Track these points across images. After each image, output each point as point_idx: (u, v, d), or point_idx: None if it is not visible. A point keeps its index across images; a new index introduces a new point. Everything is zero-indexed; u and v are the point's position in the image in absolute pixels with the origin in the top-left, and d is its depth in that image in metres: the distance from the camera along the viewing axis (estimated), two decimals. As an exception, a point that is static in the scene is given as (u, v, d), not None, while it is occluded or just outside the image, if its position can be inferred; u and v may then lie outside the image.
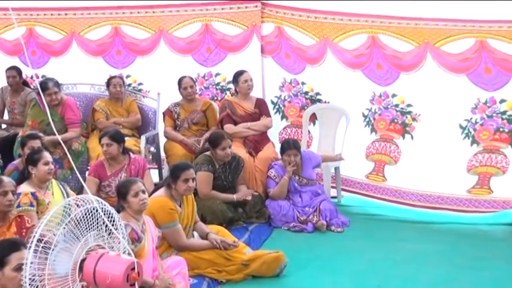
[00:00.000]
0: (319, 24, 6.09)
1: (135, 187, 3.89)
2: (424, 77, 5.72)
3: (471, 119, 5.67)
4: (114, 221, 2.95)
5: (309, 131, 6.46)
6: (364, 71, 5.98)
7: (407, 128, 5.94)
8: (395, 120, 5.97)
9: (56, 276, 2.75)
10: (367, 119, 6.13)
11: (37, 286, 2.67)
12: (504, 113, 5.55)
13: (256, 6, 6.40)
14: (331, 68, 6.16)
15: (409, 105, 5.90)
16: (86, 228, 2.84)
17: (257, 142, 6.05)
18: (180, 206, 4.45)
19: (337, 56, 6.09)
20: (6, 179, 3.90)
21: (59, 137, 3.68)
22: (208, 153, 5.54)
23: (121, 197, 3.90)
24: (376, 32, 5.76)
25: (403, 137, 5.96)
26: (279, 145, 5.99)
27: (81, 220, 2.84)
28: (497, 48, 5.38)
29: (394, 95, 5.95)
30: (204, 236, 4.55)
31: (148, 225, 3.96)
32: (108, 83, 6.36)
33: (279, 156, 5.85)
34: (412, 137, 5.94)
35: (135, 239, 3.74)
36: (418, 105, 5.86)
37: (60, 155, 5.75)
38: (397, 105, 5.95)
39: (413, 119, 5.90)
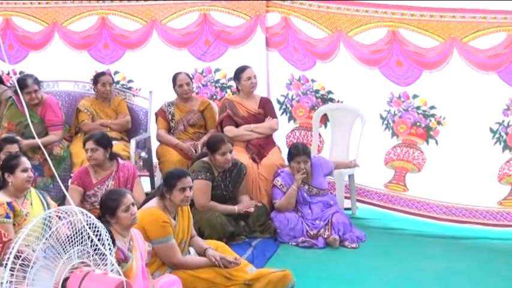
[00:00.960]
0: (331, 16, 6.09)
1: (126, 200, 3.87)
2: (449, 76, 5.71)
3: (503, 121, 5.66)
4: (100, 235, 2.94)
5: (319, 134, 6.45)
6: (381, 68, 5.98)
7: (431, 132, 5.93)
8: (418, 124, 5.97)
9: (35, 297, 2.75)
10: (386, 121, 6.13)
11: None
12: (540, 114, 5.57)
13: (260, -6, 6.45)
14: (344, 64, 6.16)
15: (432, 108, 5.90)
16: (69, 243, 2.84)
17: (261, 147, 6.04)
18: (175, 219, 4.45)
19: (352, 51, 6.09)
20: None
21: (38, 141, 3.70)
22: (206, 159, 5.53)
23: (108, 212, 3.87)
24: (397, 25, 5.76)
25: (427, 142, 5.96)
26: (286, 150, 5.99)
27: (63, 234, 2.84)
28: (532, 43, 5.40)
29: (415, 96, 5.94)
30: (202, 252, 4.54)
31: (136, 240, 3.95)
32: (95, 81, 6.36)
33: (286, 162, 5.84)
34: (436, 142, 5.93)
35: (122, 260, 3.70)
36: (442, 107, 5.85)
37: (40, 161, 5.75)
38: (418, 108, 5.95)
39: (438, 123, 5.89)
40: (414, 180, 6.05)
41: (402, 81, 5.94)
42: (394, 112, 6.06)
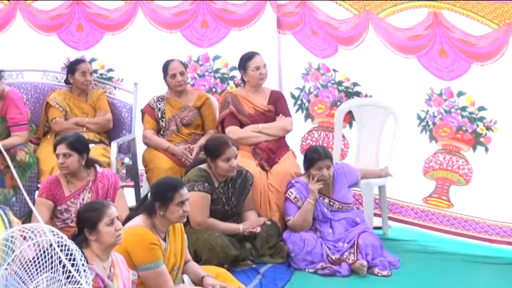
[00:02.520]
0: (358, -7, 6.13)
1: (110, 212, 3.87)
2: (504, 70, 5.68)
3: None
4: (74, 260, 2.93)
5: (343, 136, 6.46)
6: (421, 58, 5.99)
7: (481, 139, 5.92)
8: (464, 128, 5.96)
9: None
10: (424, 122, 6.12)
11: None
12: None
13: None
14: (373, 50, 6.17)
15: (481, 109, 5.88)
16: (36, 269, 2.83)
17: (272, 151, 6.04)
18: (165, 240, 4.44)
19: (383, 36, 6.09)
20: None
21: (-1, 143, 3.69)
22: (204, 166, 5.52)
23: (88, 225, 3.87)
24: (440, 6, 5.75)
25: (474, 149, 5.95)
26: (302, 155, 5.97)
27: (29, 258, 2.82)
28: None
29: (460, 94, 5.94)
30: (198, 281, 4.53)
31: (118, 266, 3.94)
32: (72, 69, 6.35)
33: (302, 170, 5.82)
34: (486, 150, 5.91)
35: (101, 289, 3.71)
36: (494, 108, 5.84)
37: (0, 168, 5.75)
38: (464, 108, 5.94)
39: (487, 128, 5.87)
40: (460, 194, 6.04)
41: (446, 75, 5.94)
42: (434, 114, 6.04)
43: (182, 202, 4.35)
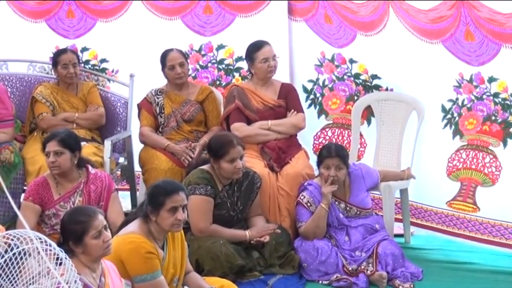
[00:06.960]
0: (377, -27, 6.11)
1: (97, 223, 3.84)
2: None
3: None
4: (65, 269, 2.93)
5: (361, 134, 6.47)
6: (446, 42, 5.95)
7: (510, 129, 5.89)
8: (493, 118, 5.94)
9: None
10: (449, 115, 6.11)
11: None
12: None
13: None
14: (394, 37, 6.16)
15: None
16: (22, 280, 2.83)
17: (282, 150, 6.04)
18: (163, 248, 4.44)
19: (405, 20, 6.07)
20: None
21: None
22: (206, 167, 5.52)
23: (73, 238, 3.85)
24: None
25: (504, 144, 5.93)
26: (315, 155, 5.97)
27: (12, 268, 2.83)
28: None
29: (492, 79, 5.90)
30: (200, 294, 4.54)
31: (109, 275, 3.94)
32: (54, 62, 6.38)
33: (315, 171, 5.82)
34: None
35: (90, 301, 3.71)
36: None
37: (-18, 169, 5.78)
38: (496, 95, 5.92)
39: None
40: (487, 196, 6.01)
41: (474, 59, 5.90)
42: (463, 102, 6.02)
43: (175, 208, 4.33)
